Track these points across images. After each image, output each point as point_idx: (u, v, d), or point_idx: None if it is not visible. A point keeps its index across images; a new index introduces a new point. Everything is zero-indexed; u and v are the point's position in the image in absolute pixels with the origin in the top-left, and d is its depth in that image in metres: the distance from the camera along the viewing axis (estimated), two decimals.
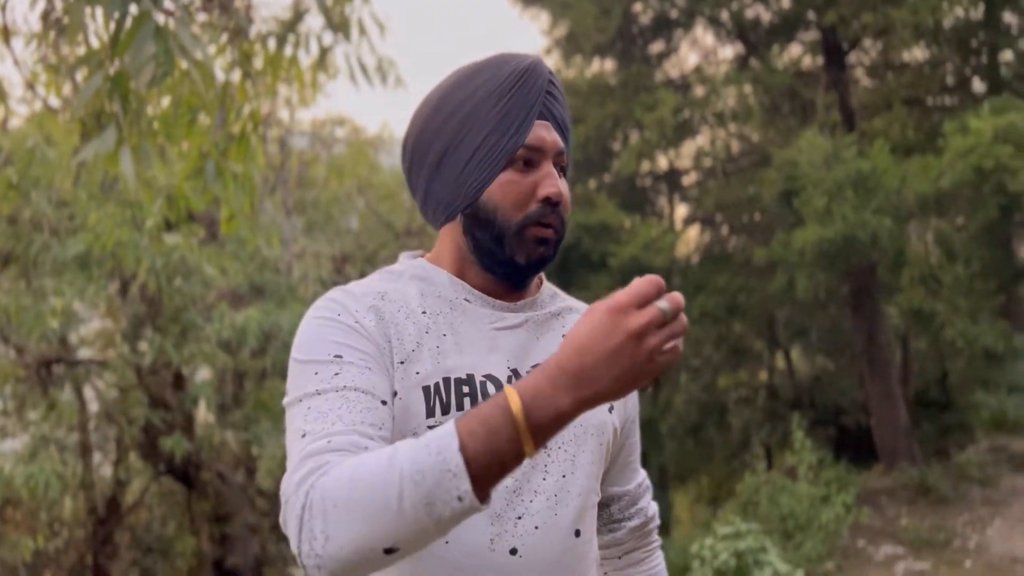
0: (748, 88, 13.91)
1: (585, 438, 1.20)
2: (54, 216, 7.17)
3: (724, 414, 16.33)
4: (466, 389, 1.13)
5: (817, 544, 10.11)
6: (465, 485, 0.89)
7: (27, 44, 4.56)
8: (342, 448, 0.97)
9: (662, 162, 16.15)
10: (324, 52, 4.63)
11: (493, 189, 1.17)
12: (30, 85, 5.08)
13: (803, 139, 11.77)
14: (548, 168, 1.19)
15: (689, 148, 16.45)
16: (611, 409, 1.25)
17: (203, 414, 11.22)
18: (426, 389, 1.11)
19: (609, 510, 1.38)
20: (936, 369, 15.45)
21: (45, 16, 3.74)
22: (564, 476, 1.16)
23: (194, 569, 12.20)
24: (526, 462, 1.12)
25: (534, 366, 1.18)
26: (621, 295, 0.92)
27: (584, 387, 0.90)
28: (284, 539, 13.73)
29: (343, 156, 12.20)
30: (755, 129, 15.49)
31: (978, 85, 15.14)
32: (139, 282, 6.82)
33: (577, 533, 1.16)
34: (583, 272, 13.94)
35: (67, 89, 4.46)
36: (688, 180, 16.81)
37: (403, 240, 11.43)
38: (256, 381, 10.50)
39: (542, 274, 1.30)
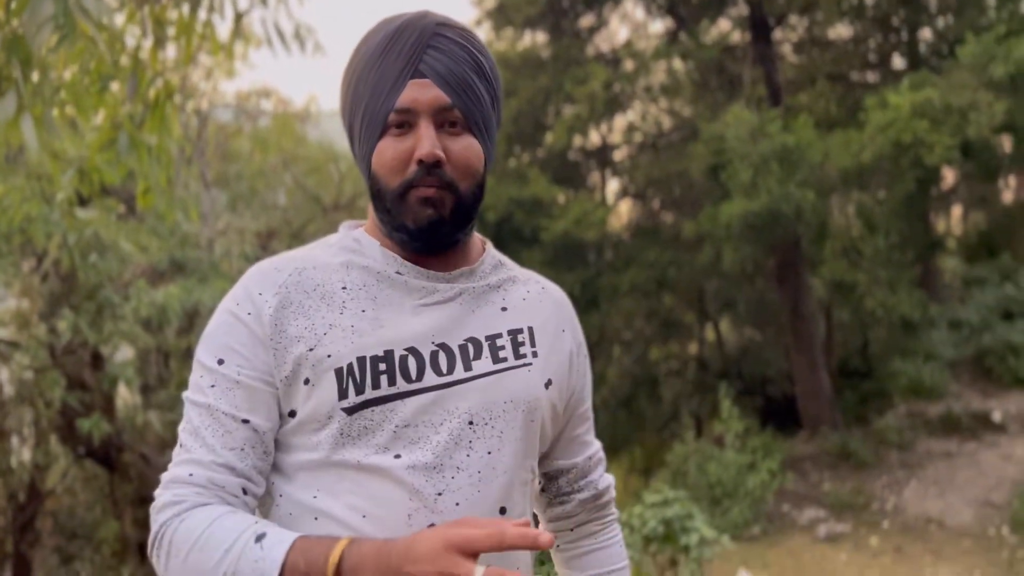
0: (677, 63, 14.02)
1: (515, 414, 1.16)
2: None
3: (656, 386, 16.62)
4: (382, 366, 1.11)
5: (744, 510, 10.39)
6: None
7: None
8: (200, 485, 1.10)
9: (594, 137, 16.22)
10: (239, 17, 4.47)
11: (375, 158, 1.15)
12: None
13: (730, 113, 11.92)
14: (423, 129, 1.13)
15: (620, 123, 16.55)
16: (548, 384, 1.21)
17: (125, 395, 10.89)
18: (338, 371, 1.11)
19: (557, 483, 1.35)
20: (858, 339, 15.97)
21: None
22: (490, 453, 1.14)
23: (118, 553, 11.93)
24: (448, 438, 1.12)
25: (467, 339, 1.16)
26: (473, 536, 0.96)
27: None
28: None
29: (268, 129, 11.89)
30: (684, 104, 15.66)
31: (898, 61, 15.58)
32: (51, 259, 6.54)
33: (503, 510, 1.14)
34: (516, 246, 13.95)
35: None
36: (619, 155, 16.92)
37: (331, 215, 11.23)
38: (181, 360, 10.24)
39: (486, 242, 1.28)
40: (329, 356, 1.11)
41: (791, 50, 16.04)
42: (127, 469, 10.19)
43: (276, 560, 1.01)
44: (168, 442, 11.27)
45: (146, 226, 7.61)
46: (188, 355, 10.23)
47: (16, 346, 8.72)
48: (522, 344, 1.21)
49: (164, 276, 8.70)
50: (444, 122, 1.15)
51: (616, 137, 16.75)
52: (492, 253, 1.27)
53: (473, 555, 0.96)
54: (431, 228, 1.15)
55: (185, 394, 1.16)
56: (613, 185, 17.40)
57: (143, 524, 10.50)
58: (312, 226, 10.80)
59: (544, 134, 14.73)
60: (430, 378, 1.13)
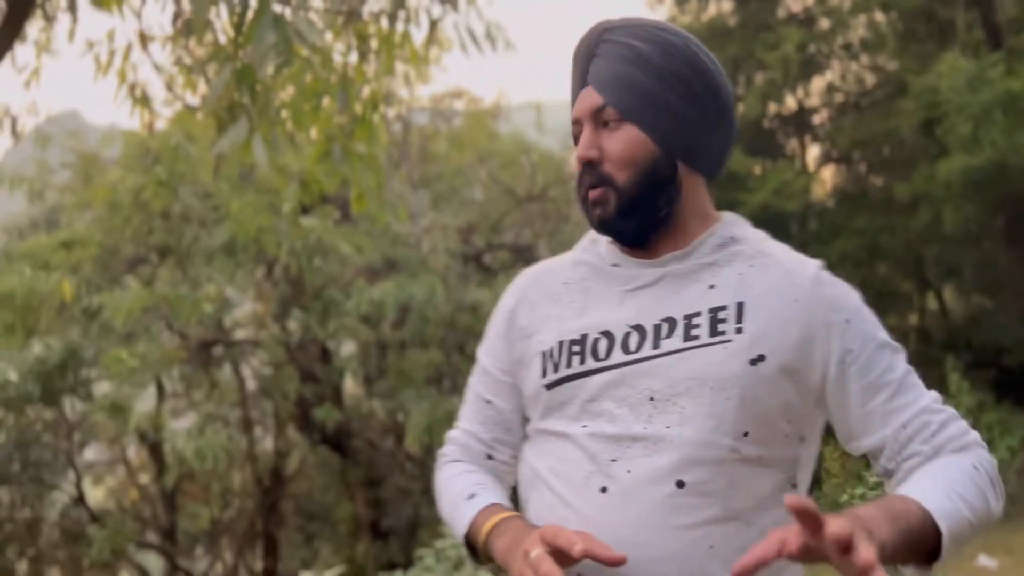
0: (879, 15, 13.08)
1: (701, 391, 1.18)
2: (201, 208, 7.65)
3: None
4: (576, 348, 1.25)
5: None
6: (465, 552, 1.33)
7: (163, 47, 4.86)
8: (461, 444, 1.42)
9: (789, 102, 15.48)
10: (434, 24, 4.70)
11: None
12: (169, 87, 5.40)
13: (943, 63, 10.99)
14: (584, 133, 1.26)
15: (818, 85, 15.67)
16: (758, 359, 1.17)
17: (350, 386, 11.76)
18: (543, 354, 1.27)
19: (879, 464, 1.27)
20: None
21: (176, 19, 3.97)
22: (668, 427, 1.18)
23: (353, 532, 12.89)
24: (628, 411, 1.20)
25: (664, 319, 1.22)
26: (560, 530, 1.11)
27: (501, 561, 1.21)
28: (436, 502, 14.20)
29: (462, 128, 12.38)
30: (889, 58, 14.59)
31: None
32: (282, 265, 7.21)
33: (680, 484, 1.16)
34: None
35: (202, 87, 4.73)
36: (819, 119, 16.03)
37: (525, 206, 11.51)
38: (397, 352, 10.91)
39: (721, 222, 1.29)
40: (539, 342, 1.29)
41: None
42: (357, 454, 11.01)
43: (468, 517, 1.29)
44: (390, 428, 12.06)
45: (360, 229, 8.19)
46: (403, 347, 10.88)
47: (257, 345, 9.67)
48: (723, 321, 1.20)
49: (379, 274, 9.31)
50: (601, 122, 1.25)
51: (814, 100, 15.88)
52: (722, 231, 1.27)
53: (556, 548, 1.10)
54: (604, 226, 1.26)
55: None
56: (813, 151, 16.53)
57: (374, 505, 11.31)
58: (508, 219, 11.14)
59: (735, 105, 14.22)
60: (617, 356, 1.22)
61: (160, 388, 12.13)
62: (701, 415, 1.17)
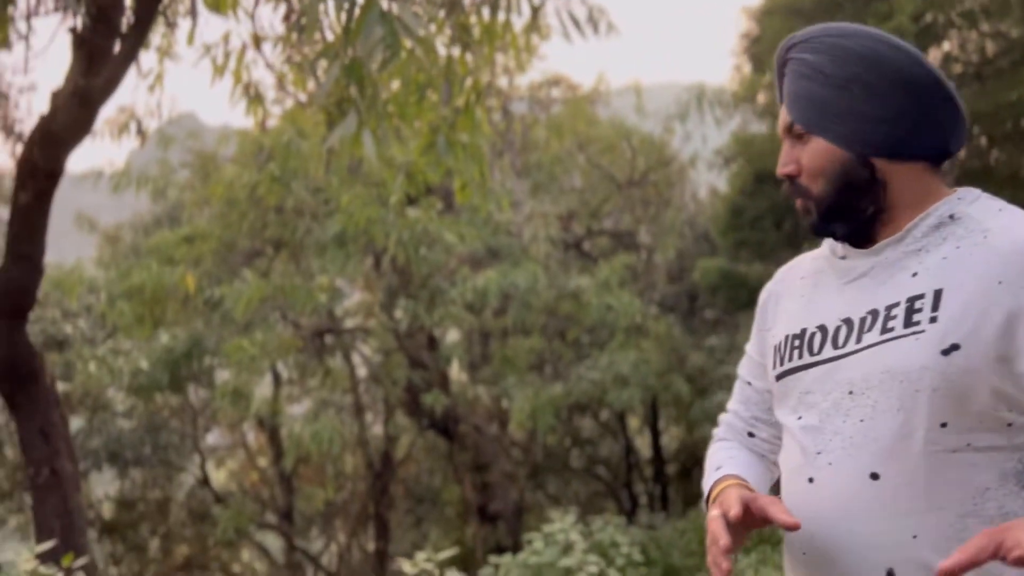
0: None
1: (890, 384, 1.19)
2: (312, 202, 7.94)
3: None
4: (797, 342, 1.33)
5: None
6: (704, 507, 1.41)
7: (274, 47, 5.06)
8: (727, 423, 1.54)
9: None
10: (536, 11, 4.72)
11: None
12: (280, 84, 5.63)
13: None
14: (784, 149, 1.35)
15: (934, 55, 14.91)
16: (951, 349, 1.15)
17: (456, 372, 11.99)
18: (775, 347, 1.39)
19: None
20: None
21: (287, 18, 4.13)
22: (862, 421, 1.22)
23: (461, 515, 13.15)
24: (831, 405, 1.26)
25: (869, 311, 1.24)
26: (746, 494, 1.26)
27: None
28: (540, 486, 14.42)
29: (560, 115, 12.37)
30: (1013, 24, 13.74)
31: None
32: (389, 255, 7.41)
33: (874, 476, 1.19)
34: None
35: (312, 84, 4.90)
36: None
37: (625, 191, 11.42)
38: (500, 339, 11.05)
39: (942, 200, 1.25)
40: (774, 336, 1.40)
41: None
42: (464, 439, 11.22)
43: (709, 483, 1.42)
44: (495, 414, 12.23)
45: (463, 219, 8.33)
46: (505, 334, 11.00)
47: (367, 333, 9.98)
48: (918, 311, 1.19)
49: (482, 263, 9.46)
50: (795, 137, 1.32)
51: None
52: (941, 211, 1.24)
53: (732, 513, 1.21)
54: (815, 230, 1.33)
55: None
56: None
57: (481, 489, 11.51)
58: (608, 205, 11.08)
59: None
60: (827, 351, 1.28)
61: (276, 376, 12.67)
62: (891, 409, 1.19)
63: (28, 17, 4.63)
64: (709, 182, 14.39)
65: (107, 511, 13.67)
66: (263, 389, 13.10)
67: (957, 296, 1.18)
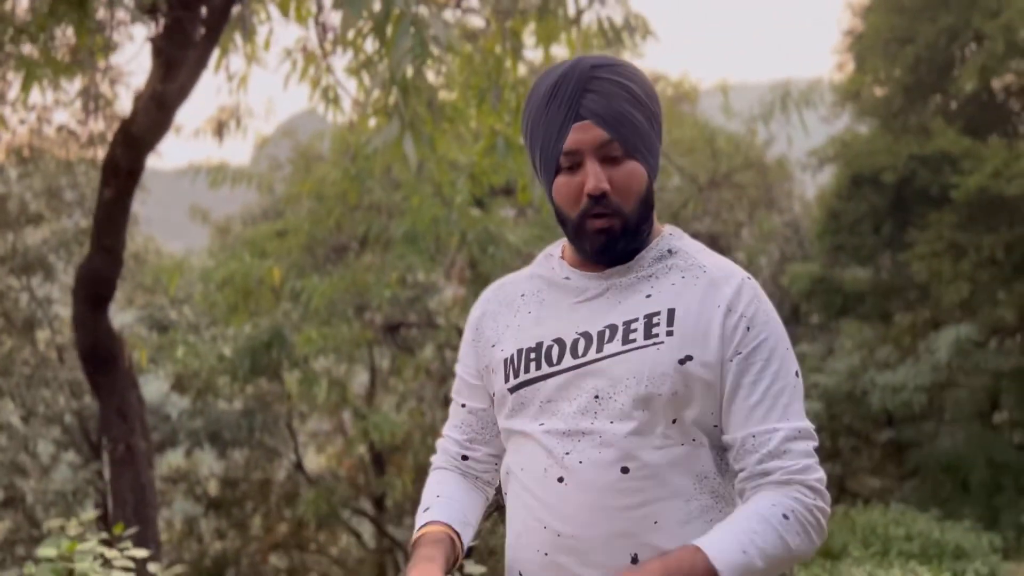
0: None
1: (637, 388, 1.33)
2: (387, 200, 8.24)
3: None
4: (532, 355, 1.41)
5: None
6: None
7: (343, 52, 5.32)
8: (442, 448, 1.57)
9: (1007, 76, 13.93)
10: (579, 15, 4.80)
11: (554, 192, 1.39)
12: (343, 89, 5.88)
13: None
14: (589, 166, 1.35)
15: None
16: (686, 359, 1.32)
17: None
18: (505, 361, 1.44)
19: (727, 455, 1.39)
20: None
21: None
22: (612, 422, 1.34)
23: None
24: (576, 409, 1.36)
25: (607, 325, 1.37)
26: None
27: None
28: None
29: None
30: None
31: None
32: (455, 253, 7.62)
33: (625, 470, 1.32)
34: (921, 208, 12.58)
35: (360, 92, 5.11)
36: None
37: (707, 193, 11.24)
38: None
39: (663, 235, 1.44)
40: (502, 350, 1.45)
41: None
42: None
43: (418, 525, 1.46)
44: None
45: (525, 218, 8.45)
46: None
47: (452, 327, 10.22)
48: (656, 325, 1.35)
49: None
50: (606, 156, 1.35)
51: None
52: (662, 247, 1.42)
53: None
54: (605, 250, 1.39)
55: None
56: None
57: None
58: (689, 207, 10.91)
59: (949, 80, 13.03)
60: (567, 361, 1.38)
61: (372, 367, 13.12)
62: (637, 408, 1.33)
63: (111, 28, 5.06)
64: (806, 183, 13.99)
65: (212, 488, 14.51)
66: (361, 377, 13.62)
67: (687, 317, 1.36)
